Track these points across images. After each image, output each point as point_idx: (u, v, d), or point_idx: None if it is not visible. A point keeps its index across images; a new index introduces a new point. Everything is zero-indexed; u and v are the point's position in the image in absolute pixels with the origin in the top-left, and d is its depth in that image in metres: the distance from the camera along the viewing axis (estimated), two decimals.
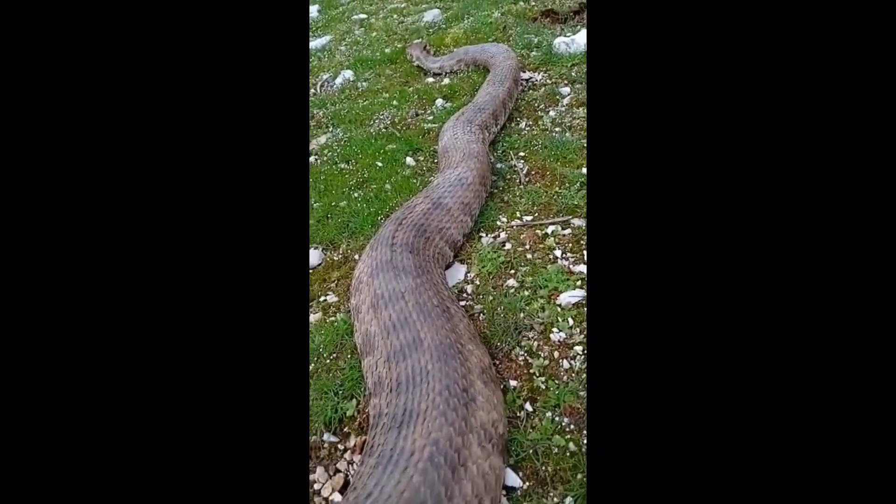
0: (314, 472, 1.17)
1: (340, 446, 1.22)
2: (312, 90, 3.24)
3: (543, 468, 1.09)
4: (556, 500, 1.04)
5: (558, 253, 1.65)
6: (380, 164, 2.29)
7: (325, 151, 2.47)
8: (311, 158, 2.45)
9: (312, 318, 1.58)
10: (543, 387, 1.25)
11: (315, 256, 1.79)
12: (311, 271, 1.76)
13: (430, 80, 3.16)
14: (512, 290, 1.54)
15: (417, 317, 1.29)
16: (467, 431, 1.04)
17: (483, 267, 1.65)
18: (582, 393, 1.21)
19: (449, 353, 1.20)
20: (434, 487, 0.92)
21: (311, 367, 1.39)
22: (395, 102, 2.88)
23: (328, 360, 1.40)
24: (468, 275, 1.65)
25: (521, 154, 2.21)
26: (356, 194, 2.12)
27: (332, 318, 1.55)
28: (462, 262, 1.71)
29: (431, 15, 4.28)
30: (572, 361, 1.30)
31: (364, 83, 3.26)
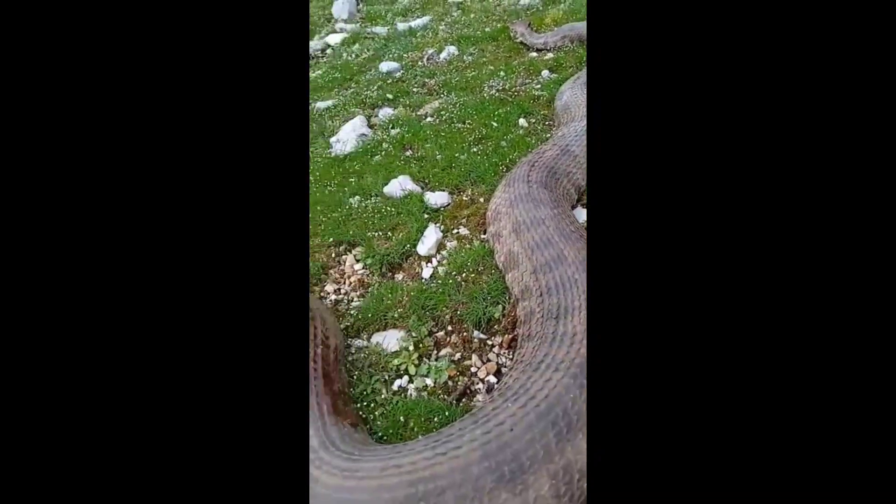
0: (470, 359, 1.35)
1: (489, 342, 1.39)
2: (420, 62, 3.45)
3: None
4: None
5: None
6: (495, 123, 2.45)
7: (442, 113, 2.66)
8: (428, 119, 2.64)
9: (450, 245, 1.76)
10: None
11: (444, 197, 1.98)
12: (442, 209, 1.94)
13: (534, 54, 3.28)
14: None
15: (559, 238, 1.43)
16: None
17: None
18: None
19: None
20: None
21: (460, 278, 1.57)
22: (501, 73, 3.03)
23: (473, 274, 1.57)
24: None
25: None
26: (475, 149, 2.29)
27: (468, 246, 1.72)
28: (584, 206, 1.83)
29: None
30: None
31: (469, 57, 3.43)
